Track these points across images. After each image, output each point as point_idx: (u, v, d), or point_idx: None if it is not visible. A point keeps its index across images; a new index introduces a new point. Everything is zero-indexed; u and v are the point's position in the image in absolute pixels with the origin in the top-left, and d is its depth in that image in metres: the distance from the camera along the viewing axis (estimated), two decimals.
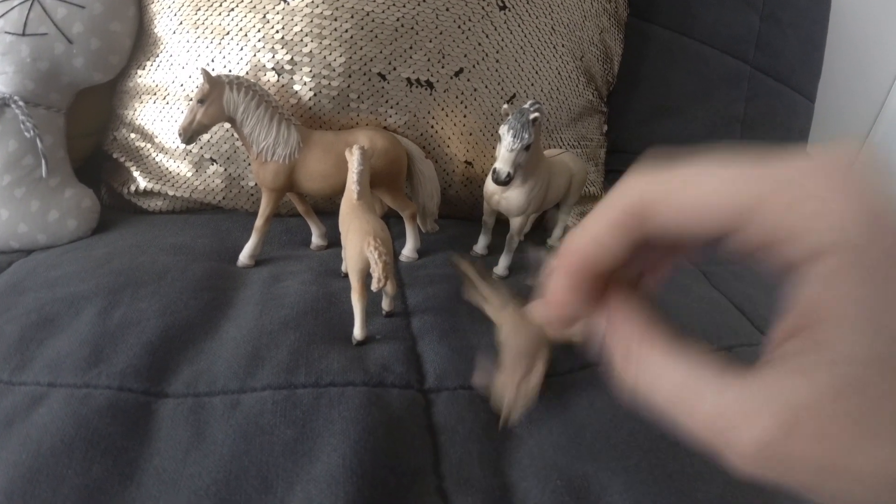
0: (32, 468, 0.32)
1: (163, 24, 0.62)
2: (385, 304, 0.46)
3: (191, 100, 0.59)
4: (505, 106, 0.49)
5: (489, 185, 0.52)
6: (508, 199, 0.52)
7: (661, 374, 0.21)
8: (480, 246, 0.59)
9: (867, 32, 1.39)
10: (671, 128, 0.98)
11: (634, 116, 0.94)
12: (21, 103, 0.56)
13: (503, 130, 0.47)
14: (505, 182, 0.48)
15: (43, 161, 0.56)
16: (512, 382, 0.36)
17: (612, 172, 0.77)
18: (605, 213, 0.22)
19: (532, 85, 0.63)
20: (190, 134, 0.50)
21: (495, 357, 0.37)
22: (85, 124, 0.66)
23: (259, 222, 0.53)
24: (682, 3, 0.96)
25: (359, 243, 0.41)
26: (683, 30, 0.96)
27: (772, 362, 0.19)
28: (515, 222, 0.54)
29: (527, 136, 0.47)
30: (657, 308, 0.23)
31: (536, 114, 0.47)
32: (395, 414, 0.37)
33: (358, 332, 0.42)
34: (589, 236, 0.22)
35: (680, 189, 0.21)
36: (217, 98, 0.49)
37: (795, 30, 1.08)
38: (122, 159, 0.64)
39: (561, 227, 0.64)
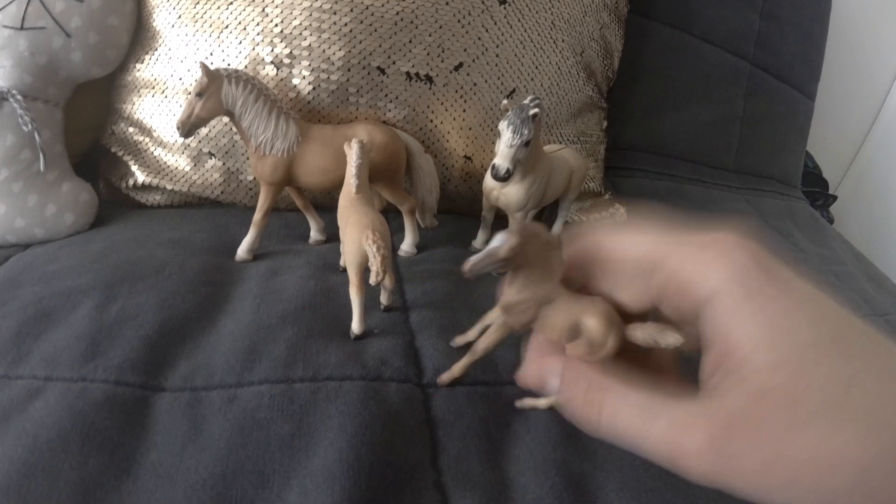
0: (28, 462, 0.31)
1: (161, 17, 0.62)
2: (383, 299, 0.46)
3: (189, 93, 0.59)
4: (504, 101, 0.48)
5: (488, 181, 0.52)
6: (507, 195, 0.52)
7: (620, 409, 0.26)
8: (479, 241, 0.59)
9: (867, 31, 1.39)
10: (671, 125, 0.98)
11: (634, 113, 0.94)
12: (19, 97, 0.56)
13: (503, 126, 0.47)
14: (504, 178, 0.48)
15: (41, 155, 0.56)
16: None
17: (612, 169, 0.77)
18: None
19: (532, 80, 0.63)
20: (188, 127, 0.50)
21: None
22: (84, 120, 0.66)
23: (257, 216, 0.52)
24: (682, 0, 0.96)
25: (357, 237, 0.41)
26: (683, 26, 0.96)
27: (704, 393, 0.25)
28: (515, 218, 0.54)
29: (526, 131, 0.46)
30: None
31: (536, 110, 0.47)
32: (393, 408, 0.37)
33: (356, 326, 0.42)
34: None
35: (622, 237, 0.28)
36: (215, 91, 0.49)
37: (795, 28, 1.08)
38: (120, 153, 0.64)
39: (560, 222, 0.64)
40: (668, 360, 0.30)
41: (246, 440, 0.34)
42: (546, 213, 0.67)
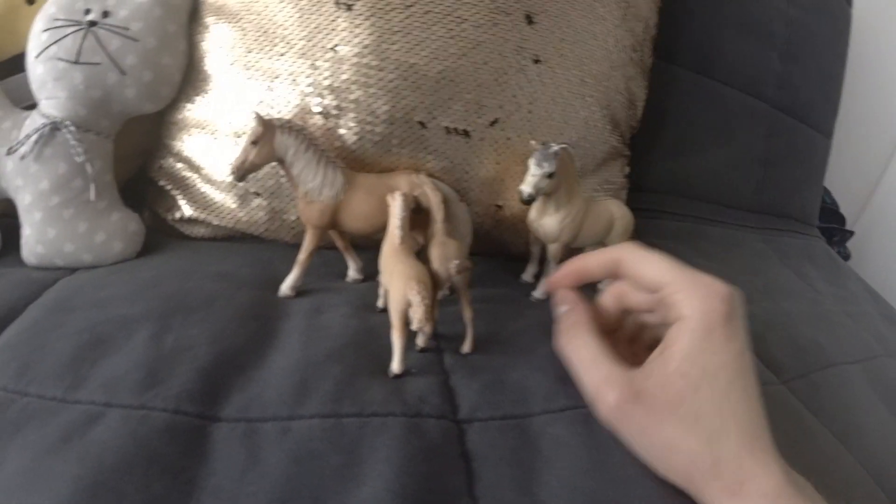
0: (95, 483, 0.34)
1: (214, 62, 0.65)
2: (420, 341, 0.49)
3: (238, 136, 0.62)
4: (532, 142, 0.58)
5: (529, 214, 0.61)
6: (544, 225, 0.60)
7: (582, 347, 0.42)
8: (528, 274, 0.67)
9: (883, 65, 1.40)
10: (692, 167, 1.01)
11: (656, 156, 0.96)
12: (72, 128, 0.58)
13: (530, 161, 0.56)
14: (527, 201, 0.56)
15: (92, 184, 0.59)
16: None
17: (636, 211, 0.79)
18: (603, 254, 0.45)
19: (561, 134, 0.67)
20: (242, 172, 0.53)
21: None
22: (128, 147, 0.68)
23: (302, 256, 0.56)
24: (704, 44, 0.99)
25: (402, 287, 0.45)
26: (705, 70, 0.99)
27: (637, 369, 0.39)
28: (551, 248, 0.61)
29: (547, 164, 0.55)
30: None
31: (557, 147, 0.56)
32: (433, 442, 0.40)
33: (396, 366, 0.45)
34: (590, 260, 0.45)
35: (640, 262, 0.42)
36: (269, 140, 0.53)
37: (814, 68, 1.11)
38: (168, 187, 0.67)
39: None
40: (636, 334, 0.47)
41: (301, 469, 0.36)
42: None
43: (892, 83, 1.43)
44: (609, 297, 0.47)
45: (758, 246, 1.02)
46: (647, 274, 0.41)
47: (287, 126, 0.53)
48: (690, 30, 0.98)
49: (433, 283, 0.47)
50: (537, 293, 0.61)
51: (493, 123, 0.63)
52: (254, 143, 0.52)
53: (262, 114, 0.53)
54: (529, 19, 0.63)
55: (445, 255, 0.48)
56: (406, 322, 0.45)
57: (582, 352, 0.41)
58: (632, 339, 0.47)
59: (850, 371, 0.67)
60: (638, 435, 0.38)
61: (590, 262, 0.45)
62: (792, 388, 0.59)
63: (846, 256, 1.36)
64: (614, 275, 0.44)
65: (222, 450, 0.38)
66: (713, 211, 1.03)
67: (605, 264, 0.44)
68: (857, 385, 0.64)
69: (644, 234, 0.85)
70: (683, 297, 0.38)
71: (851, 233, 1.39)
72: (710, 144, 1.02)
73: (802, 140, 1.13)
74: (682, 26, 0.96)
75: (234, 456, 0.37)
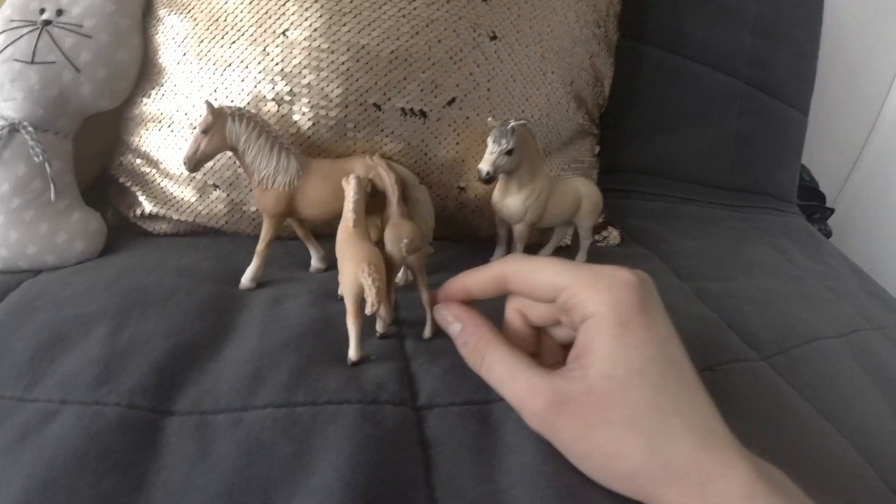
0: (46, 480, 0.34)
1: (167, 54, 0.65)
2: (379, 326, 0.49)
3: (194, 128, 0.61)
4: (490, 119, 0.57)
5: (493, 195, 0.60)
6: (508, 206, 0.59)
7: (496, 364, 0.38)
8: (496, 256, 0.65)
9: (860, 42, 1.40)
10: (665, 146, 1.00)
11: (628, 135, 0.95)
12: (30, 129, 0.58)
13: (489, 139, 0.55)
14: (487, 180, 0.56)
15: (52, 185, 0.58)
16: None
17: (608, 191, 0.78)
18: (486, 271, 0.41)
19: (523, 112, 0.66)
20: (194, 163, 0.52)
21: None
22: (91, 147, 0.68)
23: (260, 247, 0.55)
24: (673, 22, 0.98)
25: (354, 270, 0.44)
26: (675, 48, 0.99)
27: (558, 371, 0.35)
28: (517, 229, 0.61)
29: (505, 141, 0.55)
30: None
31: (514, 123, 0.55)
32: (389, 429, 0.39)
33: (353, 352, 0.45)
34: (472, 279, 0.42)
35: (527, 272, 0.39)
36: (220, 129, 0.52)
37: (787, 44, 1.10)
38: (128, 184, 0.67)
39: (583, 252, 0.68)
40: (551, 344, 0.42)
41: (251, 460, 0.36)
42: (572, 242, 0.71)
43: (869, 61, 1.43)
44: (513, 314, 0.42)
45: (736, 224, 1.01)
46: (540, 281, 0.37)
47: (238, 114, 0.52)
48: (659, 7, 0.97)
49: (387, 265, 0.46)
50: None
51: (450, 103, 0.62)
52: (204, 132, 0.52)
53: (214, 102, 0.52)
54: None
55: (398, 236, 0.48)
56: (361, 307, 0.44)
57: (497, 368, 0.38)
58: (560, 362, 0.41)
59: (833, 345, 0.65)
60: (571, 444, 0.35)
61: (473, 280, 0.42)
62: (773, 364, 0.57)
63: (827, 234, 1.36)
64: (502, 291, 0.41)
65: (174, 443, 0.37)
66: (689, 190, 1.02)
67: (490, 280, 0.41)
68: (840, 359, 0.63)
69: (619, 214, 0.85)
70: (586, 294, 0.34)
71: (832, 210, 1.39)
72: (683, 123, 1.01)
73: (778, 117, 1.13)
74: (650, 4, 0.95)
75: (186, 449, 0.37)
